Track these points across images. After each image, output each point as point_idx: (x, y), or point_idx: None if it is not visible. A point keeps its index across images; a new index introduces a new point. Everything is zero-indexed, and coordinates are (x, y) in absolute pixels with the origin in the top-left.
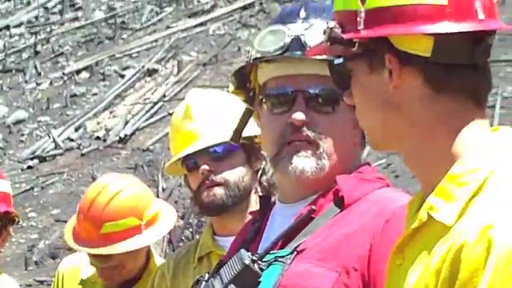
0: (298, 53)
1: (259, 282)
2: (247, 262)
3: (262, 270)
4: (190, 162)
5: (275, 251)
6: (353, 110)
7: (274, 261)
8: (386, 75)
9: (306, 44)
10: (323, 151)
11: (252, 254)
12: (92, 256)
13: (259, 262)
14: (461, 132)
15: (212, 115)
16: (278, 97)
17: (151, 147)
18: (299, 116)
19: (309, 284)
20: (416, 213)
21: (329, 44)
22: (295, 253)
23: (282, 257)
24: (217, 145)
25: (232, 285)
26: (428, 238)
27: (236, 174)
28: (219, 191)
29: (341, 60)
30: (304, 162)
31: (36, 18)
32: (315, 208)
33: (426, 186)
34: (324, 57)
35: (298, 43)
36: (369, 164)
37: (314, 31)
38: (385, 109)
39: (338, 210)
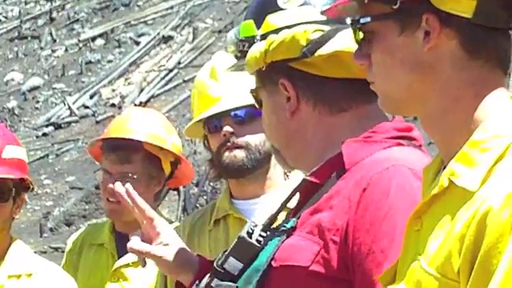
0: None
1: (258, 254)
2: (242, 233)
3: (259, 242)
4: (212, 124)
5: (287, 220)
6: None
7: (281, 231)
8: (421, 36)
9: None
10: None
11: (255, 225)
12: (113, 153)
13: (261, 233)
14: (486, 98)
15: (237, 78)
16: None
17: (166, 114)
18: None
19: (293, 257)
20: (433, 179)
21: (366, 1)
22: (295, 224)
23: (289, 228)
24: (241, 107)
25: (231, 257)
26: (449, 204)
27: (257, 138)
28: (240, 153)
29: (368, 19)
30: None
31: None
32: (308, 178)
33: (446, 151)
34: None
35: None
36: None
37: None
38: (413, 71)
39: (336, 178)
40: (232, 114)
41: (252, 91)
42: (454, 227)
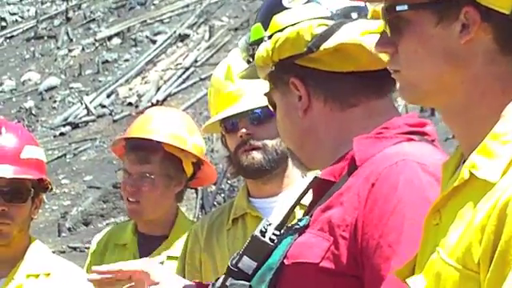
0: None
1: (271, 253)
2: (255, 232)
3: (272, 240)
4: (229, 124)
5: (301, 218)
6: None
7: (294, 230)
8: (457, 28)
9: None
10: None
11: (269, 224)
12: (133, 153)
13: (275, 231)
14: (510, 94)
15: None
16: None
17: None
18: None
19: (304, 254)
20: (453, 173)
21: None
22: (309, 222)
23: (301, 226)
24: (257, 108)
25: (245, 256)
26: (469, 197)
27: (274, 138)
28: (257, 155)
29: (405, 7)
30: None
31: None
32: (320, 176)
33: (467, 145)
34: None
35: None
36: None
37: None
38: (446, 62)
39: (347, 175)
40: (249, 113)
41: (266, 94)
42: (474, 218)
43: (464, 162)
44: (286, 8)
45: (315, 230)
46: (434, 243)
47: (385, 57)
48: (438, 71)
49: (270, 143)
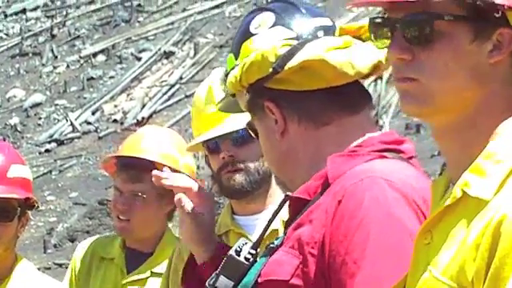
0: None
1: (246, 272)
2: (231, 252)
3: (248, 259)
4: (212, 145)
5: (277, 237)
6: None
7: (270, 248)
8: (488, 48)
9: None
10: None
11: (245, 243)
12: (125, 171)
13: (251, 250)
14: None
15: None
16: None
17: None
18: None
19: (276, 272)
20: (442, 194)
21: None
22: (283, 240)
23: (277, 245)
24: (239, 130)
25: (222, 276)
26: (462, 215)
27: (256, 159)
28: (239, 178)
29: (451, 17)
30: None
31: (52, 1)
32: (290, 194)
33: (459, 164)
34: None
35: None
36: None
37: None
38: (473, 79)
39: (320, 193)
40: (232, 134)
41: (247, 124)
42: (467, 236)
43: (453, 181)
44: (254, 34)
45: (287, 247)
46: (425, 262)
47: (350, 70)
48: (464, 86)
49: (252, 165)
